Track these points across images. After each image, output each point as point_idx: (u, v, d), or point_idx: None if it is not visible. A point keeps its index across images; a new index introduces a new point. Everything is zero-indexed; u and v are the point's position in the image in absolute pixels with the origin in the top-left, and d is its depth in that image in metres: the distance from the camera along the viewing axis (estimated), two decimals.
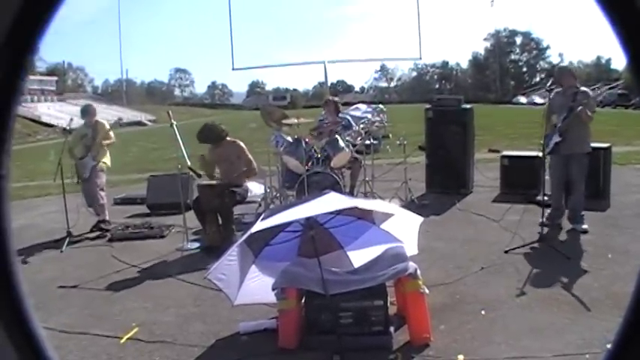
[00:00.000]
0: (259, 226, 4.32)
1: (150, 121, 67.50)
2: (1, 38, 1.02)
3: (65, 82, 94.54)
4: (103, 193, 9.08)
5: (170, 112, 8.41)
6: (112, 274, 6.85)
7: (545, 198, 7.75)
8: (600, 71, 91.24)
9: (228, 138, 8.18)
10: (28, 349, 1.16)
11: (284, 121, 9.25)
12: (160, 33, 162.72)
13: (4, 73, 1.06)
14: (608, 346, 4.02)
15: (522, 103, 71.41)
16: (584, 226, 7.60)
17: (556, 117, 7.49)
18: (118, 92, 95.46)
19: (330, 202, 4.76)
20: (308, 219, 4.69)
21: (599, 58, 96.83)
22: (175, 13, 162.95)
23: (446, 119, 10.49)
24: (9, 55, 1.05)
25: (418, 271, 4.51)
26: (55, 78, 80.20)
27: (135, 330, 5.11)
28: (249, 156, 8.15)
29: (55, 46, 72.39)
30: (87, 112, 9.31)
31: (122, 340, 4.93)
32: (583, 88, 7.71)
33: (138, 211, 10.46)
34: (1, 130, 1.08)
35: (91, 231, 8.90)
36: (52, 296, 6.12)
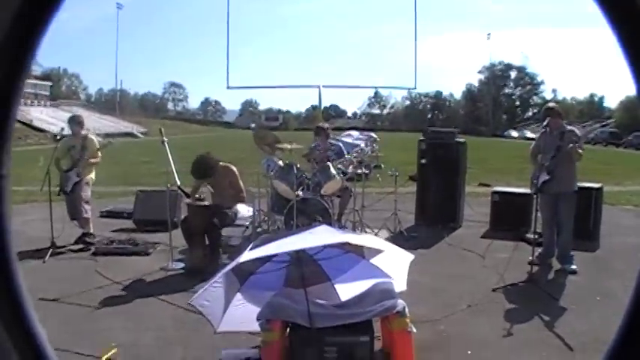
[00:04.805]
0: (247, 256, 4.24)
1: (141, 133, 67.43)
2: (1, 38, 1.01)
3: (59, 87, 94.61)
4: (87, 207, 8.97)
5: (162, 130, 8.36)
6: (94, 290, 6.73)
7: (536, 236, 7.70)
8: (593, 109, 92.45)
9: (221, 163, 8.11)
10: (28, 349, 1.15)
11: (277, 146, 9.21)
12: (156, 46, 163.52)
13: (4, 74, 1.05)
14: None
15: (514, 137, 72.03)
16: (574, 267, 7.58)
17: (542, 156, 7.47)
18: (111, 102, 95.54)
19: (321, 235, 4.70)
20: (297, 251, 4.63)
21: (592, 95, 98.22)
22: (173, 28, 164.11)
23: (439, 152, 10.48)
24: (9, 55, 1.04)
25: (406, 309, 4.44)
26: (49, 83, 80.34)
27: (114, 350, 5.00)
28: (240, 183, 8.13)
29: (51, 51, 72.48)
30: (75, 121, 9.21)
31: None
32: (570, 127, 7.72)
33: (123, 226, 10.34)
34: (1, 130, 1.07)
35: (75, 243, 8.78)
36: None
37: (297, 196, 8.38)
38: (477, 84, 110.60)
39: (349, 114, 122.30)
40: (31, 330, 1.16)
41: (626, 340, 1.11)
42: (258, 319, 4.46)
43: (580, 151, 7.35)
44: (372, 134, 10.34)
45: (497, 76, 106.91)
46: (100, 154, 9.12)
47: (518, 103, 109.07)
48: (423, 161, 10.68)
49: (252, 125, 9.43)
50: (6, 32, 1.01)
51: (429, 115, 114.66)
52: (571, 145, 7.21)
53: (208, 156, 7.98)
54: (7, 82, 1.06)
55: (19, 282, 1.14)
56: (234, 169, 8.17)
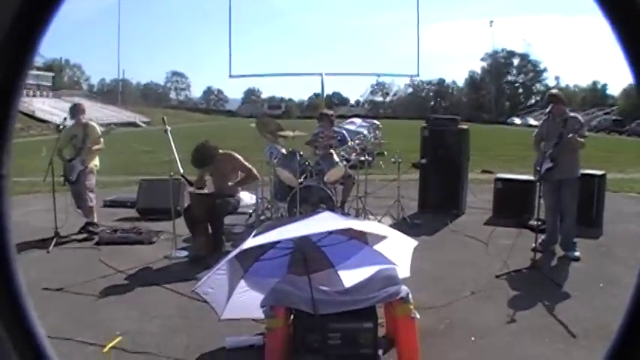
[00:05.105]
0: (251, 242, 4.24)
1: (144, 122, 67.28)
2: (1, 38, 1.01)
3: (62, 78, 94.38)
4: (92, 195, 8.98)
5: (165, 118, 8.33)
6: (98, 279, 6.73)
7: (539, 223, 7.69)
8: (596, 96, 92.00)
9: (220, 151, 8.10)
10: (28, 349, 1.15)
11: (279, 133, 9.19)
12: (158, 35, 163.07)
13: (4, 74, 1.05)
14: None
15: (517, 124, 71.89)
16: (577, 254, 7.57)
17: (544, 143, 7.45)
18: (113, 92, 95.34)
19: (324, 221, 4.70)
20: (300, 237, 4.64)
21: (595, 82, 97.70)
22: (175, 17, 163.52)
23: (441, 139, 10.46)
24: (9, 55, 1.04)
25: (410, 295, 4.43)
26: (51, 74, 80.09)
27: (118, 339, 5.00)
28: (246, 164, 8.09)
29: (53, 42, 72.26)
30: (75, 109, 9.19)
31: (105, 349, 4.82)
32: (572, 114, 7.69)
33: (127, 215, 10.36)
34: (1, 130, 1.07)
35: (79, 232, 8.79)
36: (35, 298, 5.98)
37: (300, 183, 8.39)
38: (479, 71, 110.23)
39: (352, 102, 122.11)
40: (31, 330, 1.16)
41: (627, 340, 1.10)
42: (262, 306, 4.46)
43: (582, 139, 7.33)
44: (375, 122, 10.31)
45: (499, 63, 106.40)
46: (102, 140, 9.11)
47: (521, 90, 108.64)
48: (424, 161, 10.66)
49: (252, 125, 9.34)
50: (6, 32, 1.01)
51: (432, 103, 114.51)
52: (571, 134, 7.19)
53: (207, 144, 7.96)
54: (7, 82, 1.06)
55: (19, 282, 1.14)
56: (235, 154, 8.14)
